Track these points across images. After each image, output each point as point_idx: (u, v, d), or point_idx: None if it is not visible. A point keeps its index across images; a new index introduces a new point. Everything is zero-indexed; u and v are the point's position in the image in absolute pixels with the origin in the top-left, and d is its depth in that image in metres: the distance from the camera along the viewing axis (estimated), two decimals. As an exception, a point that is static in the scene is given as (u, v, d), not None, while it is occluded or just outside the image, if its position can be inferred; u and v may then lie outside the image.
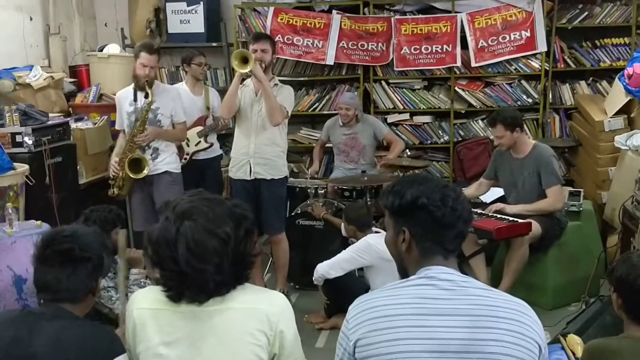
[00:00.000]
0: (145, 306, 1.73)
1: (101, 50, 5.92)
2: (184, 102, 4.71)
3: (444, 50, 5.77)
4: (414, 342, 1.54)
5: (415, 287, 1.62)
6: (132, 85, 4.50)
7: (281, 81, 4.57)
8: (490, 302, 1.58)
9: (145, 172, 4.40)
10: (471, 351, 1.53)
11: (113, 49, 5.90)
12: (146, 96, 4.38)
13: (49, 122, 4.54)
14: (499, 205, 4.41)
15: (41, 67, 5.35)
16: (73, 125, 4.96)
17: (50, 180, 4.33)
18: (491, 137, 5.81)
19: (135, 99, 4.43)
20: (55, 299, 2.01)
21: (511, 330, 1.55)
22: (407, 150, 5.68)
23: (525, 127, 4.78)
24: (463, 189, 4.72)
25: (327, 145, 5.75)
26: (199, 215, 1.66)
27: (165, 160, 4.50)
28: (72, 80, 5.85)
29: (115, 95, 5.55)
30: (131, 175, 4.40)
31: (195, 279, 1.65)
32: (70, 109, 5.48)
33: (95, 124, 5.24)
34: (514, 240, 4.19)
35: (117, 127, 4.68)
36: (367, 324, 1.59)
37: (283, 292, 3.58)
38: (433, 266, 1.64)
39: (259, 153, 4.31)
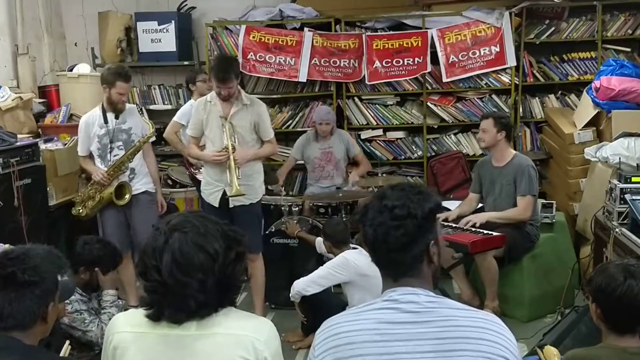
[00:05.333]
0: (126, 329, 1.69)
1: (71, 70, 5.86)
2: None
3: (415, 62, 5.82)
4: None
5: (377, 311, 1.58)
6: (99, 107, 4.46)
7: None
8: (458, 323, 1.53)
9: (127, 198, 4.45)
10: None
11: (83, 68, 5.84)
12: (116, 117, 4.41)
13: (18, 144, 4.47)
14: (468, 218, 4.43)
15: (9, 87, 5.26)
16: (42, 146, 4.87)
17: (19, 203, 4.26)
18: (464, 151, 5.92)
19: (105, 121, 4.42)
20: (2, 327, 1.86)
21: (480, 351, 1.49)
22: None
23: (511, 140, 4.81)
24: (456, 208, 4.72)
25: (297, 162, 5.72)
26: (190, 229, 1.65)
27: (143, 180, 4.57)
28: (42, 100, 5.77)
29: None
30: (116, 202, 4.43)
31: (177, 293, 1.62)
32: (39, 130, 5.40)
33: (66, 144, 5.16)
34: (477, 255, 4.21)
35: (80, 153, 4.55)
36: (332, 352, 1.56)
37: None
38: (398, 287, 1.60)
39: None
